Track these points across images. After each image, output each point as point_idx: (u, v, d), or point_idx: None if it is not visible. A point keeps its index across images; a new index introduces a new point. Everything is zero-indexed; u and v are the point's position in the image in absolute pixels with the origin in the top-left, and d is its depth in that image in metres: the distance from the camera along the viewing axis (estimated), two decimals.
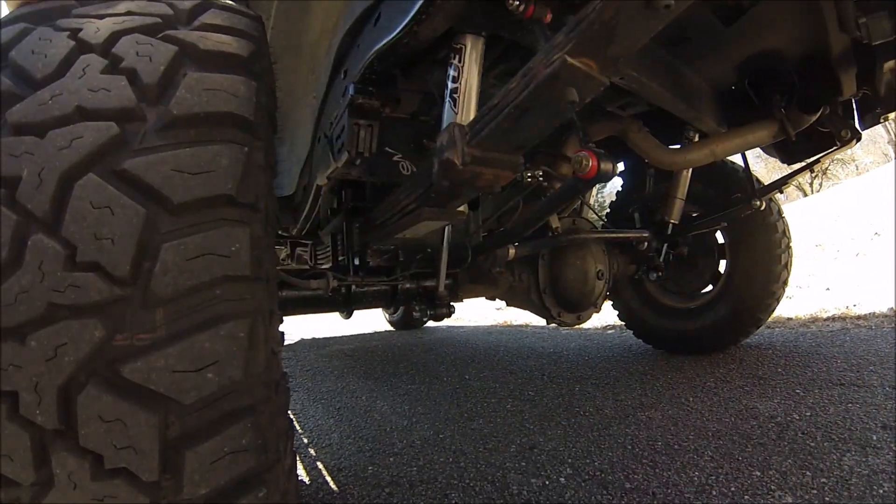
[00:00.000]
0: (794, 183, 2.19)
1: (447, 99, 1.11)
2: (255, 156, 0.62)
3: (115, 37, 0.63)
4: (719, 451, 1.50)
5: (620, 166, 2.77)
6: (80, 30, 0.64)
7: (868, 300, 3.56)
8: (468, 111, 1.10)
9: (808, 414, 1.69)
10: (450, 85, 1.09)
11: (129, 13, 0.69)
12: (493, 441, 1.79)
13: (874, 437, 1.46)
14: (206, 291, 0.53)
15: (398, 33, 0.97)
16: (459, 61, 1.07)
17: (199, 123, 0.59)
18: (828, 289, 4.37)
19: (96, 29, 0.64)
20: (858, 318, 3.18)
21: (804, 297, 4.11)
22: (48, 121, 0.54)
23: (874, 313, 3.20)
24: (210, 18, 0.74)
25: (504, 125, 0.75)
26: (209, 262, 0.54)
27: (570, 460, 1.56)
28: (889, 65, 1.39)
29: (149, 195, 0.53)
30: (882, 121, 1.73)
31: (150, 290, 0.51)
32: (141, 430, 0.49)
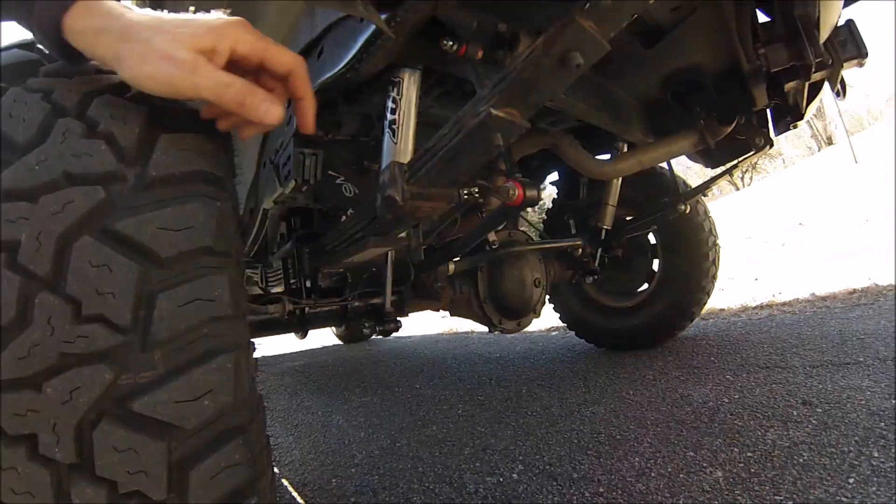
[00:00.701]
0: (726, 178, 2.32)
1: (386, 129, 1.18)
2: (225, 207, 0.69)
3: (87, 99, 0.68)
4: (657, 438, 1.62)
5: (553, 176, 2.90)
6: (53, 91, 0.68)
7: (792, 288, 3.79)
8: (406, 140, 1.17)
9: (737, 397, 1.83)
10: (388, 116, 1.15)
11: (97, 70, 0.74)
12: (447, 445, 1.87)
13: (794, 413, 1.59)
14: (196, 332, 0.60)
15: (341, 69, 1.03)
16: (398, 94, 1.14)
17: (175, 182, 0.66)
18: (756, 279, 4.61)
19: (68, 90, 0.68)
20: (783, 304, 3.40)
21: (735, 288, 4.34)
22: (38, 186, 0.59)
23: (797, 299, 3.42)
24: None
25: (439, 165, 0.84)
26: (197, 306, 0.61)
27: (521, 458, 1.66)
28: (791, 85, 1.52)
29: (140, 252, 0.60)
30: (792, 128, 1.86)
31: (149, 334, 0.57)
32: (150, 456, 0.55)
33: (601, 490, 1.37)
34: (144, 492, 0.55)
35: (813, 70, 1.40)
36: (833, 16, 1.25)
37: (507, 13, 1.21)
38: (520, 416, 2.06)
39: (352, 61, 1.01)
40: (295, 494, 1.68)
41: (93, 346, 0.55)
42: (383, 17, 0.93)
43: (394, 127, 1.17)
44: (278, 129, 1.38)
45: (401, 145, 1.20)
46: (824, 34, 1.30)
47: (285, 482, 1.79)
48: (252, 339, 1.88)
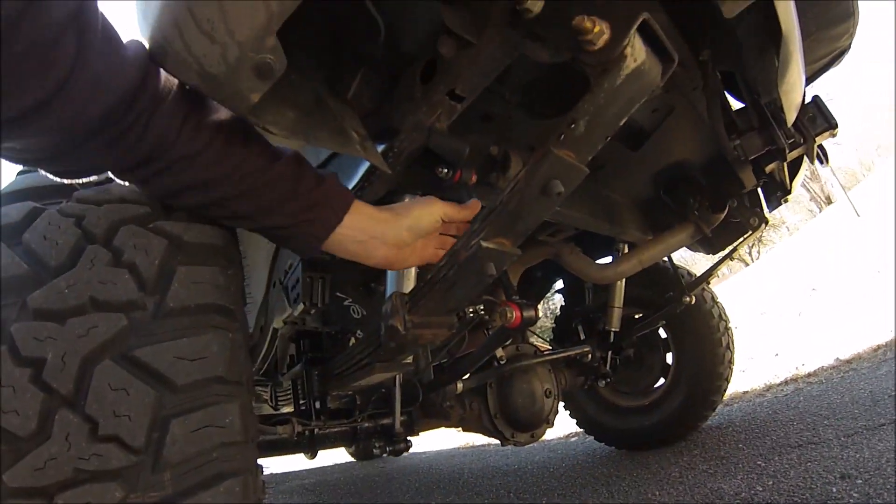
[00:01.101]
0: (734, 257, 2.33)
1: None
2: (236, 337, 0.75)
3: (114, 227, 0.74)
4: None
5: (559, 284, 2.95)
6: (84, 217, 0.74)
7: (815, 357, 3.68)
8: (409, 271, 1.23)
9: (771, 483, 1.74)
10: None
11: (122, 200, 0.80)
12: None
13: (834, 490, 1.52)
14: (206, 456, 0.64)
15: None
16: None
17: (191, 313, 0.72)
18: (777, 354, 4.50)
19: (97, 218, 0.75)
20: (808, 376, 3.30)
21: (756, 368, 4.21)
22: (67, 309, 0.65)
23: (822, 368, 3.32)
24: None
25: (437, 295, 0.89)
26: (209, 432, 0.64)
27: None
28: (771, 166, 1.57)
29: (157, 378, 0.64)
30: (783, 202, 1.92)
31: (160, 456, 0.60)
32: None
33: None
34: None
35: (787, 151, 1.47)
36: (797, 97, 1.31)
37: (496, 135, 1.31)
38: None
39: (354, 190, 1.09)
40: None
41: (106, 465, 0.58)
42: (380, 148, 1.02)
43: None
44: (288, 252, 1.45)
45: (403, 272, 1.26)
46: (792, 116, 1.36)
47: None
48: (262, 458, 1.88)
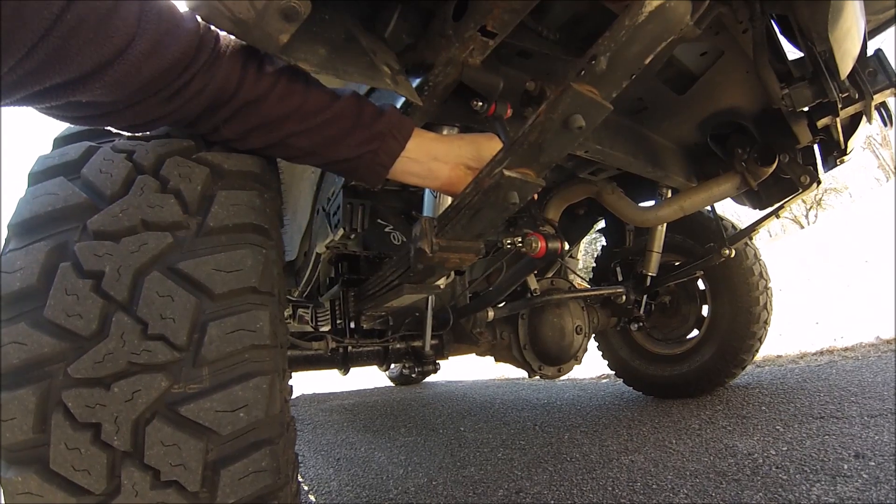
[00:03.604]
0: (790, 217, 2.23)
1: None
2: (270, 254, 0.83)
3: (161, 159, 0.83)
4: (695, 489, 1.60)
5: (601, 223, 2.94)
6: (134, 152, 0.83)
7: (855, 331, 3.61)
8: (444, 198, 1.27)
9: (785, 448, 1.78)
10: None
11: (168, 135, 0.90)
12: (482, 486, 1.91)
13: (845, 467, 1.54)
14: (238, 355, 0.73)
15: None
16: None
17: (229, 231, 0.80)
18: (817, 323, 4.41)
19: (146, 151, 0.84)
20: (845, 349, 3.24)
21: (794, 333, 4.16)
22: (121, 230, 0.74)
23: (861, 344, 3.26)
24: None
25: (462, 221, 0.93)
26: (241, 335, 0.74)
27: (552, 502, 1.68)
28: (824, 121, 1.50)
29: (197, 287, 0.74)
30: (839, 163, 1.85)
31: (199, 354, 0.70)
32: (190, 453, 0.67)
33: None
34: (182, 482, 0.67)
35: (841, 106, 1.41)
36: (853, 47, 1.23)
37: (534, 69, 1.31)
38: (558, 462, 2.08)
39: None
40: None
41: (154, 359, 0.69)
42: (416, 82, 1.04)
43: None
44: (331, 179, 1.51)
45: (439, 199, 1.30)
46: (846, 67, 1.28)
47: None
48: (297, 371, 2.02)
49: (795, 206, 2.15)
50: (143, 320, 0.70)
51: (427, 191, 1.30)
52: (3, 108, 0.71)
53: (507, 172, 0.83)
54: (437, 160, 0.97)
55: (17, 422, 0.64)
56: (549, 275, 2.46)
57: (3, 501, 0.65)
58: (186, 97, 0.78)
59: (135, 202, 0.77)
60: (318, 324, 2.56)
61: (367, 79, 0.89)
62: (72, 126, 0.92)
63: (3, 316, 0.68)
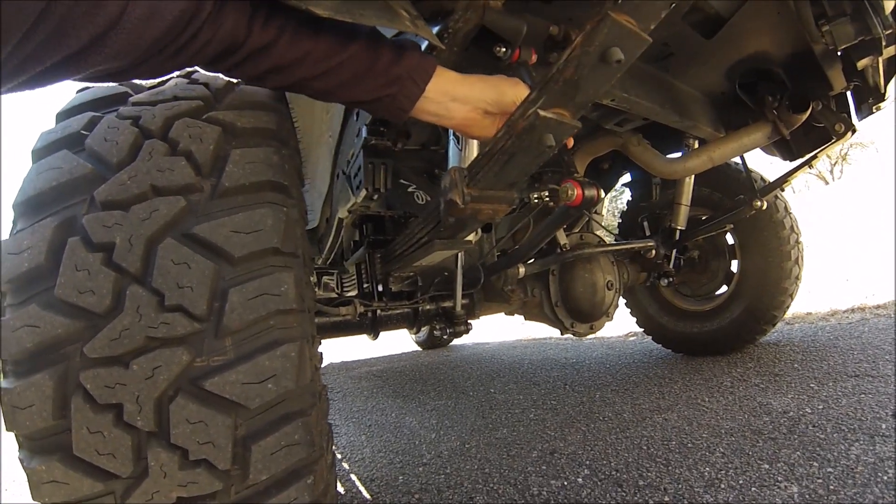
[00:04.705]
0: (814, 172, 2.17)
1: (451, 136, 1.23)
2: (291, 213, 0.78)
3: (168, 122, 0.79)
4: (731, 448, 1.57)
5: (627, 178, 2.87)
6: (140, 117, 0.79)
7: (887, 289, 3.55)
8: (470, 146, 1.21)
9: (821, 407, 1.74)
10: None
11: (175, 98, 0.85)
12: (515, 448, 1.89)
13: (883, 426, 1.50)
14: (263, 322, 0.69)
15: None
16: None
17: (246, 191, 0.76)
18: (847, 280, 4.34)
19: (153, 116, 0.79)
20: (877, 307, 3.20)
21: (824, 290, 4.09)
22: (130, 198, 0.70)
23: (892, 301, 3.22)
24: (239, 96, 0.90)
25: (495, 168, 0.87)
26: (265, 300, 0.69)
27: (587, 462, 1.66)
28: (864, 61, 1.42)
29: (215, 252, 0.69)
30: (875, 111, 1.75)
31: (221, 323, 0.66)
32: (218, 430, 0.64)
33: (666, 499, 1.35)
34: (211, 460, 0.63)
35: (884, 44, 1.32)
36: None
37: (556, 15, 1.23)
38: (590, 421, 2.06)
39: None
40: (362, 489, 1.75)
41: (173, 332, 0.65)
42: (435, 29, 0.98)
43: (458, 135, 1.21)
44: (349, 141, 1.46)
45: (465, 151, 1.24)
46: (891, 3, 1.20)
47: (353, 477, 1.88)
48: (325, 338, 2.01)
49: (820, 161, 2.05)
50: (158, 291, 0.66)
51: (452, 142, 1.25)
52: (5, 95, 0.68)
53: (542, 113, 0.77)
54: (456, 101, 0.95)
55: (35, 409, 0.62)
56: (577, 230, 2.40)
57: (28, 492, 0.64)
58: (194, 50, 0.74)
59: (143, 168, 0.73)
60: (344, 290, 2.55)
61: (385, 21, 0.84)
62: (75, 99, 0.89)
63: (13, 300, 0.65)
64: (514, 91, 0.96)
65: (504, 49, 1.02)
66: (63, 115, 0.90)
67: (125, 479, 0.64)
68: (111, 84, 0.92)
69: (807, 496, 1.24)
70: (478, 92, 0.96)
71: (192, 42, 0.72)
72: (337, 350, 6.36)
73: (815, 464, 1.38)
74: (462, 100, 0.95)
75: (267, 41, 0.78)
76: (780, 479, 1.34)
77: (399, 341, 6.45)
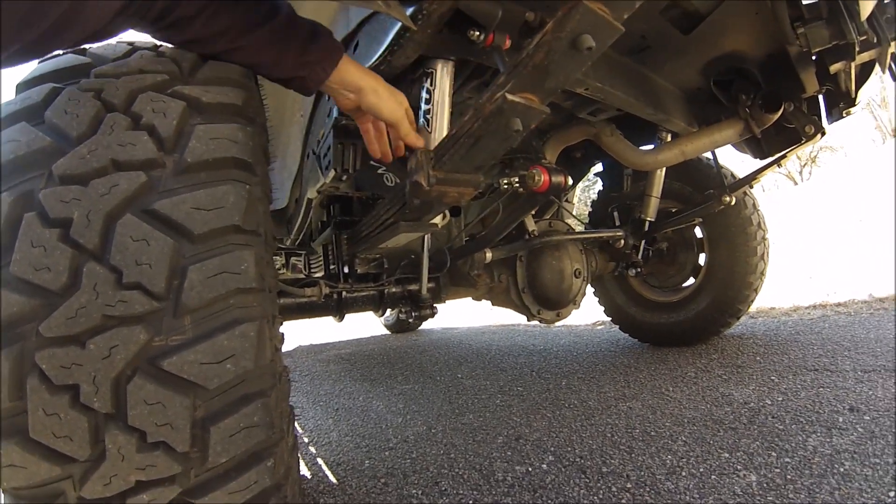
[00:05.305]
0: (783, 172, 2.25)
1: (421, 118, 1.21)
2: (254, 190, 0.76)
3: (132, 95, 0.76)
4: (692, 437, 1.60)
5: (598, 167, 2.89)
6: (102, 90, 0.76)
7: (847, 287, 3.65)
8: (440, 130, 1.18)
9: (780, 399, 1.79)
10: (423, 106, 1.18)
11: (140, 71, 0.82)
12: (481, 434, 1.90)
13: (840, 419, 1.55)
14: (222, 301, 0.67)
15: (374, 61, 1.07)
16: (431, 84, 1.16)
17: (209, 167, 0.73)
18: (810, 277, 4.46)
19: (116, 88, 0.76)
20: (838, 305, 3.29)
21: (788, 287, 4.19)
22: (89, 172, 0.68)
23: (853, 300, 3.30)
24: (208, 71, 0.87)
25: (461, 151, 0.87)
26: (224, 278, 0.68)
27: (552, 449, 1.67)
28: (838, 66, 1.45)
29: (175, 229, 0.67)
30: (845, 115, 1.79)
31: (180, 302, 0.64)
32: (176, 411, 0.62)
33: (629, 486, 1.37)
34: (170, 443, 0.61)
35: (857, 49, 1.35)
36: None
37: (532, 1, 1.22)
38: (556, 408, 2.07)
39: (384, 54, 1.05)
40: (328, 473, 1.74)
41: (131, 310, 0.63)
42: (409, 11, 0.96)
43: (428, 116, 1.19)
44: (320, 122, 1.43)
45: (435, 134, 1.22)
46: (867, 8, 1.22)
47: (320, 461, 1.86)
48: (290, 320, 1.98)
49: (790, 162, 2.11)
50: (116, 269, 0.64)
51: (422, 121, 1.23)
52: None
53: (510, 97, 0.77)
54: (349, 91, 1.04)
55: None
56: (547, 217, 2.41)
57: None
58: (143, 12, 0.79)
59: (104, 142, 0.70)
60: (311, 271, 2.52)
61: (365, 2, 0.82)
62: (36, 69, 0.86)
63: None
64: (389, 103, 1.05)
65: (478, 33, 1.00)
66: (23, 87, 0.86)
67: (83, 463, 0.62)
68: (72, 55, 0.88)
69: (764, 485, 1.27)
70: (380, 83, 1.04)
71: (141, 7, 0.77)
72: (305, 333, 6.30)
73: (773, 454, 1.41)
74: (354, 90, 1.03)
75: (191, 13, 0.83)
76: (739, 467, 1.37)
77: (368, 325, 6.42)
